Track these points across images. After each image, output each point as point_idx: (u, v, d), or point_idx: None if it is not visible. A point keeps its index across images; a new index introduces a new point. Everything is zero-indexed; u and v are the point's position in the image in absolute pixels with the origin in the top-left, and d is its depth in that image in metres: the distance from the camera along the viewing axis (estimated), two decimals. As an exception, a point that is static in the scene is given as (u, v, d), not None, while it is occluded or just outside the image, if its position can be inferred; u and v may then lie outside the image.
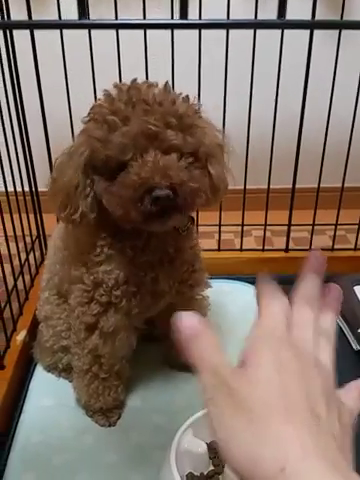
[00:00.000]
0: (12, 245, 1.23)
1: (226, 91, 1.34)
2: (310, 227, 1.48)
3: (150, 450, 1.01)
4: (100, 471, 0.98)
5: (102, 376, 1.03)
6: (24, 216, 1.36)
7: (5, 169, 1.18)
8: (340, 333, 1.28)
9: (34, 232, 1.44)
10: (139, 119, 0.79)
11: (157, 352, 1.20)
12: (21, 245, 1.34)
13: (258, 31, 1.26)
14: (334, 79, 1.34)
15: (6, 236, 1.18)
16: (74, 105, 1.29)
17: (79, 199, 0.86)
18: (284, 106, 1.37)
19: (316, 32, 1.26)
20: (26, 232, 1.38)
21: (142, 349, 1.10)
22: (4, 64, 1.26)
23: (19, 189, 1.32)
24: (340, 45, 1.31)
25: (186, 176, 0.81)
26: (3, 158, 1.17)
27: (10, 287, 1.22)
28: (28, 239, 1.41)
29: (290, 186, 1.46)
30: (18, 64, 1.33)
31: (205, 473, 0.94)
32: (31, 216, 1.41)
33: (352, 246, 1.52)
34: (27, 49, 1.28)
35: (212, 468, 0.96)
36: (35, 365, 1.20)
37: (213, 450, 0.96)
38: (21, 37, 1.28)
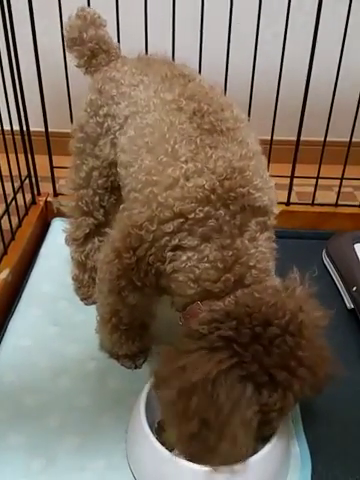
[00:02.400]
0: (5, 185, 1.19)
1: (230, 39, 1.27)
2: (314, 182, 1.42)
3: (125, 395, 0.98)
4: (72, 413, 0.96)
5: (122, 328, 1.00)
6: (14, 156, 1.31)
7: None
8: (335, 291, 1.25)
9: (24, 173, 1.39)
10: None
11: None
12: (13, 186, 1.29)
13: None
14: (346, 29, 1.26)
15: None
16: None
17: None
18: (292, 54, 1.30)
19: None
20: (18, 172, 1.33)
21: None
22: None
23: (7, 128, 1.26)
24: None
25: None
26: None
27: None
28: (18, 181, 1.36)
29: (295, 138, 1.39)
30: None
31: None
32: (21, 156, 1.36)
33: (358, 203, 1.45)
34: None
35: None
36: (17, 305, 1.18)
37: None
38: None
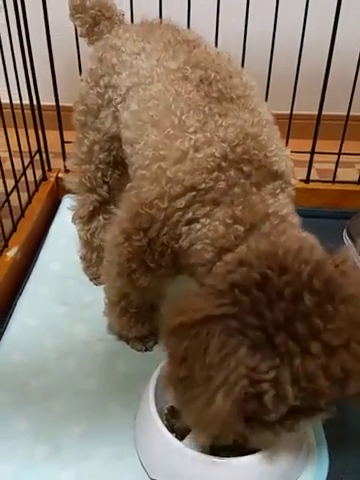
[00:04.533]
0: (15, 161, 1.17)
1: (248, 9, 1.21)
2: (335, 158, 1.35)
3: (134, 379, 0.95)
4: (78, 398, 0.93)
5: (132, 311, 0.96)
6: (24, 131, 1.26)
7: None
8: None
9: (34, 148, 1.35)
10: None
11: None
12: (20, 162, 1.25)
13: None
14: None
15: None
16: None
17: None
18: (314, 25, 1.23)
19: None
20: (25, 148, 1.29)
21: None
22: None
23: (17, 102, 1.22)
24: None
25: None
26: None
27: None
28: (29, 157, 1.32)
29: (316, 112, 1.32)
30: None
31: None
32: (31, 131, 1.31)
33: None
34: None
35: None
36: (25, 283, 1.14)
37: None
38: None
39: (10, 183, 1.20)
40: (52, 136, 1.40)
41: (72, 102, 1.28)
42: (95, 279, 1.16)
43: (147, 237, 0.80)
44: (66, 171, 1.41)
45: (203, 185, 0.74)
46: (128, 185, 0.89)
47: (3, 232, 1.15)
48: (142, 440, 0.83)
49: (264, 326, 0.61)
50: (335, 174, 1.37)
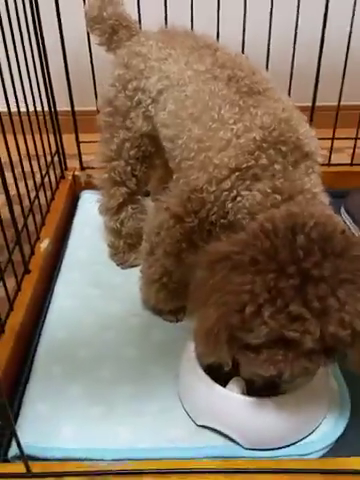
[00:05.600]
0: (33, 163, 1.26)
1: (246, 8, 1.32)
2: (329, 144, 1.49)
3: (170, 345, 1.06)
4: (123, 363, 1.03)
5: (171, 286, 1.06)
6: (44, 135, 1.36)
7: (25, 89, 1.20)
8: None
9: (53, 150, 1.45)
10: None
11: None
12: (39, 163, 1.35)
13: None
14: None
15: (28, 154, 1.19)
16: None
17: None
18: (305, 18, 1.35)
19: None
20: (46, 150, 1.39)
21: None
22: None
23: (39, 109, 1.33)
24: None
25: None
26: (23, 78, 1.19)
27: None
28: (49, 158, 1.41)
29: (310, 104, 1.45)
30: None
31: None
32: (51, 135, 1.42)
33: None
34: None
35: (230, 360, 1.01)
36: (59, 270, 1.25)
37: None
38: None
39: (29, 184, 1.30)
40: (65, 139, 1.51)
41: (84, 106, 1.42)
42: (122, 264, 1.28)
43: (198, 218, 0.92)
44: (82, 169, 1.53)
45: (245, 164, 0.86)
46: (175, 176, 1.00)
47: (36, 227, 1.26)
48: (187, 391, 0.95)
49: (256, 258, 0.73)
50: (330, 158, 1.51)
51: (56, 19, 1.33)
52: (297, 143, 0.87)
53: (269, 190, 0.84)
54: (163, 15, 1.34)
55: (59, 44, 1.37)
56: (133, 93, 1.08)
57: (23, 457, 0.78)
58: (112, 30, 1.14)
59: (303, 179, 0.86)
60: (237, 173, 0.87)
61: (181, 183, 0.95)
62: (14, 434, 0.75)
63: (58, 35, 1.35)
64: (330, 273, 0.71)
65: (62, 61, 1.38)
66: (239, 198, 0.87)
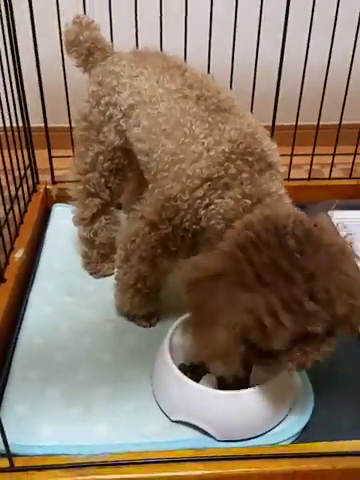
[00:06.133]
0: (7, 176, 1.30)
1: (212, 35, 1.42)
2: (288, 161, 1.58)
3: (143, 349, 1.11)
4: (98, 367, 1.08)
5: (145, 291, 1.12)
6: (18, 150, 1.41)
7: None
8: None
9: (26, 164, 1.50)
10: None
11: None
12: (13, 176, 1.39)
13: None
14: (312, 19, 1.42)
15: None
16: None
17: None
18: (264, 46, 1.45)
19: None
20: (20, 165, 1.43)
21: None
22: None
23: (14, 124, 1.38)
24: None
25: None
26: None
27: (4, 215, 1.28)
28: (22, 172, 1.46)
29: (270, 124, 1.55)
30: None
31: (195, 363, 1.05)
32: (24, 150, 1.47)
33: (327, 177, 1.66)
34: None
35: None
36: (33, 279, 1.29)
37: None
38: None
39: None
40: (39, 156, 1.56)
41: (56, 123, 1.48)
42: (95, 273, 1.32)
43: (172, 225, 0.98)
44: (53, 183, 1.58)
45: (216, 174, 0.93)
46: (150, 186, 1.07)
47: (10, 237, 1.30)
48: (162, 389, 1.00)
49: (256, 272, 0.79)
50: (289, 173, 1.60)
51: (32, 38, 1.39)
52: (261, 154, 0.95)
53: (239, 196, 0.92)
54: (134, 38, 1.42)
55: (34, 63, 1.42)
56: (105, 108, 1.15)
57: (8, 452, 0.82)
58: (88, 52, 1.21)
59: (268, 184, 0.94)
60: (209, 182, 0.94)
61: (156, 192, 1.02)
62: (1, 430, 0.78)
63: (33, 54, 1.41)
64: (323, 264, 0.79)
65: (37, 79, 1.44)
66: (212, 206, 0.94)
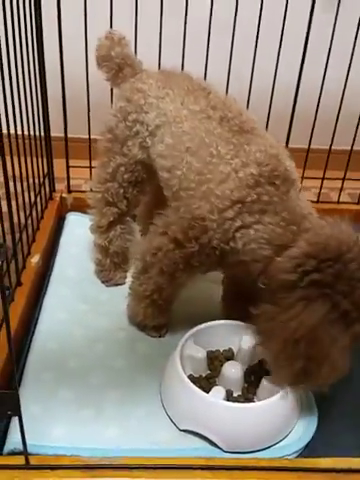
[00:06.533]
0: (24, 184, 1.32)
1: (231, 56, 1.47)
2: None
3: (154, 358, 1.15)
4: (111, 373, 1.11)
5: (159, 302, 1.15)
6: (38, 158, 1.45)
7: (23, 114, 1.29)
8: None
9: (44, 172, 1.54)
10: None
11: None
12: (34, 183, 1.43)
13: None
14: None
15: (15, 176, 1.24)
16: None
17: None
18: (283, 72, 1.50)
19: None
20: (40, 172, 1.47)
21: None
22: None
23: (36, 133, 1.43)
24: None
25: None
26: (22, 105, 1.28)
27: (23, 220, 1.32)
28: (37, 180, 1.49)
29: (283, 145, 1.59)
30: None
31: (203, 375, 1.09)
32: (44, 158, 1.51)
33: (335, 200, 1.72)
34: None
35: (209, 372, 1.10)
36: (48, 285, 1.33)
37: (210, 358, 1.11)
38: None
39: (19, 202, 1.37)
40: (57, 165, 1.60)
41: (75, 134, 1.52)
42: (107, 281, 1.36)
43: (199, 244, 1.02)
44: (69, 192, 1.62)
45: (249, 198, 0.98)
46: (172, 204, 1.10)
47: (28, 242, 1.34)
48: (171, 398, 1.03)
49: (355, 303, 0.90)
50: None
51: (58, 50, 1.43)
52: (285, 174, 1.00)
53: (283, 223, 0.97)
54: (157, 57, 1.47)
55: (59, 76, 1.47)
56: (132, 124, 1.19)
57: (25, 450, 0.85)
58: (118, 68, 1.25)
59: (300, 205, 1.00)
60: (239, 205, 0.98)
61: (182, 211, 1.05)
62: (21, 427, 0.81)
63: (59, 67, 1.46)
64: None
65: (60, 91, 1.49)
66: (251, 231, 0.99)
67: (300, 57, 1.48)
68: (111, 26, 1.40)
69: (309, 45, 1.46)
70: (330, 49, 1.48)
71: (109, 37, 1.26)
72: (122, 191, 1.26)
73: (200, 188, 1.03)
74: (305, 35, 1.45)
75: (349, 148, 1.63)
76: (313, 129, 1.59)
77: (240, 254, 1.01)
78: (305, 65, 1.50)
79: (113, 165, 1.24)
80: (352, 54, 1.50)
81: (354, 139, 1.62)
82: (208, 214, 1.01)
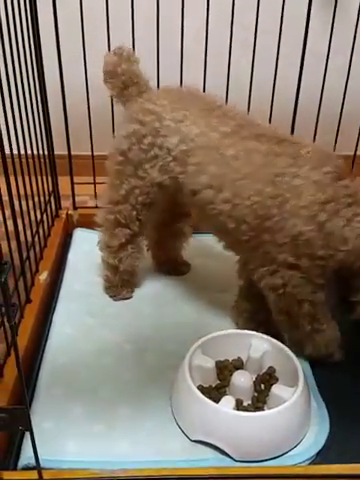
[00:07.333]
0: (30, 202, 1.35)
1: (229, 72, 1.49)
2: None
3: (162, 370, 1.16)
4: (120, 386, 1.12)
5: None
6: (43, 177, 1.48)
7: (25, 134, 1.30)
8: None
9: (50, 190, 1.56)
10: None
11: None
12: (39, 201, 1.45)
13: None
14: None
15: (20, 195, 1.26)
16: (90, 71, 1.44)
17: None
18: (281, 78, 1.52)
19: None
20: (45, 191, 1.50)
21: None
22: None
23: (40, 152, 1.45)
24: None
25: None
26: (24, 125, 1.29)
27: (30, 238, 1.33)
28: (42, 198, 1.51)
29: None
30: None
31: (213, 385, 1.09)
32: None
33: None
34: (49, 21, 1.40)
35: (219, 382, 1.10)
36: (57, 301, 1.35)
37: (220, 367, 1.12)
38: (44, 8, 1.40)
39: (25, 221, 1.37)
40: (62, 182, 1.62)
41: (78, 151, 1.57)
42: (114, 296, 1.37)
43: (308, 258, 1.05)
44: (74, 208, 1.64)
45: (335, 195, 1.02)
46: (250, 244, 1.10)
47: (36, 259, 1.36)
48: (182, 409, 1.04)
49: None
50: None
51: (58, 68, 1.46)
52: (336, 162, 1.06)
53: None
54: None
55: (59, 94, 1.50)
56: (148, 147, 1.17)
57: (38, 465, 0.86)
58: (123, 85, 1.23)
59: None
60: (332, 203, 1.01)
61: (277, 237, 1.05)
62: (32, 442, 0.83)
63: (59, 85, 1.48)
64: None
65: (61, 110, 1.51)
66: (355, 224, 1.01)
67: (299, 64, 1.50)
68: (108, 40, 1.41)
69: (307, 53, 1.48)
70: (328, 55, 1.49)
71: (118, 53, 1.24)
72: (135, 213, 1.25)
73: (284, 208, 1.03)
74: (302, 46, 1.47)
75: (352, 153, 1.63)
76: (315, 135, 1.60)
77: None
78: (304, 73, 1.51)
79: (126, 188, 1.22)
80: (350, 61, 1.51)
81: (357, 145, 1.63)
82: (303, 227, 1.02)
